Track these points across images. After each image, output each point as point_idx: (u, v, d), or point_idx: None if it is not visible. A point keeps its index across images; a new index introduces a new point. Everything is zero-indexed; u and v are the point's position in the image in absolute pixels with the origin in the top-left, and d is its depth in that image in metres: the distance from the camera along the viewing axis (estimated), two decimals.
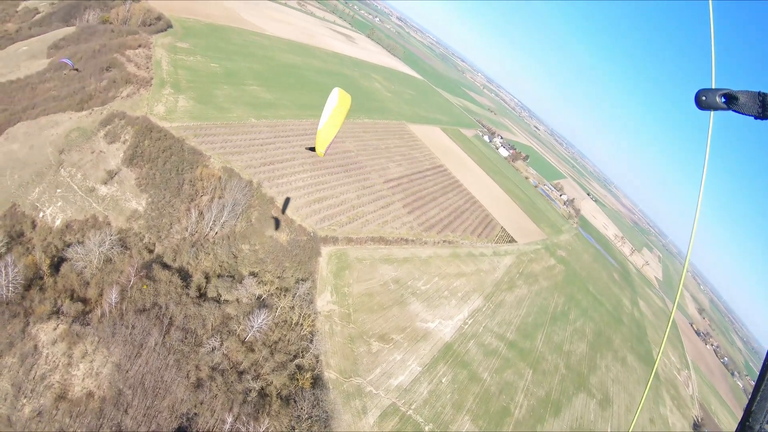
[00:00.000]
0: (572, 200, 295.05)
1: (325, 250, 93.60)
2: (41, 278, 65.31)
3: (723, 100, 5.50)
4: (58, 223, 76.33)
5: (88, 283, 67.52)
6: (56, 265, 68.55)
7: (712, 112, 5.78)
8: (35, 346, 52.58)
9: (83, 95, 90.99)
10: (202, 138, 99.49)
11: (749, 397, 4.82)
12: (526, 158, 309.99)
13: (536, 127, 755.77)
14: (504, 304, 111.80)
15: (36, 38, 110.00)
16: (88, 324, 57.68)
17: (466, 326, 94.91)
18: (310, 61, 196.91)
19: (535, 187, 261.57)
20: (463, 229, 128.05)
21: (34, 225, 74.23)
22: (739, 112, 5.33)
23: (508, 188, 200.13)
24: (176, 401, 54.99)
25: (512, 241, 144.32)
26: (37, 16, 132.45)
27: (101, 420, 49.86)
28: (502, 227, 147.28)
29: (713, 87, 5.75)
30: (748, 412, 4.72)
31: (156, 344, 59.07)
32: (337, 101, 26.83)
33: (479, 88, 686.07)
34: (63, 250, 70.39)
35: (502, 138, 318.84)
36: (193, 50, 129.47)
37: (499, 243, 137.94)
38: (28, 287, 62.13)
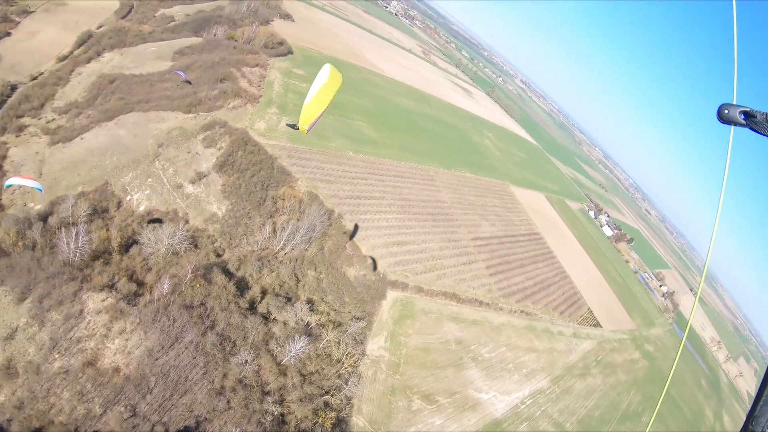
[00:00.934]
0: (672, 293, 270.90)
1: (392, 295, 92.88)
2: (110, 253, 71.44)
3: (742, 116, 6.13)
4: (141, 209, 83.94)
5: (149, 269, 72.47)
6: (127, 245, 74.58)
7: (732, 127, 6.53)
8: (81, 311, 56.94)
9: (193, 99, 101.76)
10: (294, 160, 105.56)
11: (752, 402, 5.33)
12: (630, 241, 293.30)
13: (647, 211, 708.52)
14: (572, 391, 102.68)
15: (165, 42, 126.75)
16: (135, 305, 61.33)
17: (523, 406, 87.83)
18: (423, 108, 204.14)
19: (635, 272, 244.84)
20: (546, 303, 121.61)
21: (119, 205, 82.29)
22: (755, 131, 6.01)
23: (604, 269, 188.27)
24: (194, 402, 55.97)
25: (597, 325, 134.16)
26: (171, 24, 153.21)
27: (119, 396, 51.97)
28: (589, 308, 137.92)
29: (735, 103, 6.43)
30: (750, 417, 5.24)
31: (191, 342, 61.10)
32: (328, 77, 26.89)
33: (594, 162, 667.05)
34: (137, 234, 77.01)
35: (608, 216, 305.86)
36: (307, 77, 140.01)
37: (582, 325, 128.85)
38: (95, 258, 68.16)
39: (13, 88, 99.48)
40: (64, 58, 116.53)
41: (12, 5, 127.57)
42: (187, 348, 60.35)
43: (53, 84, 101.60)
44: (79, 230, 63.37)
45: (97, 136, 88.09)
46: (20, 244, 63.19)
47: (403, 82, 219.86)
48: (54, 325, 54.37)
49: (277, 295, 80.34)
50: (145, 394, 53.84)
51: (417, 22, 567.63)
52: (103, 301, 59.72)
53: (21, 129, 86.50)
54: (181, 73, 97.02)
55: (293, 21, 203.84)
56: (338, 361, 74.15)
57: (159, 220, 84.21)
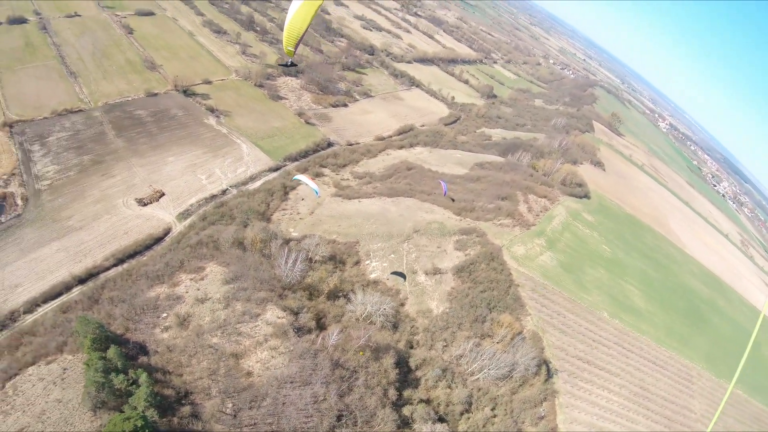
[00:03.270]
0: None
1: None
2: (318, 292, 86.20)
3: None
4: (372, 276, 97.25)
5: (338, 322, 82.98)
6: (337, 295, 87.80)
7: None
8: (258, 314, 71.26)
9: (467, 205, 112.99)
10: (536, 295, 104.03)
11: None
12: None
13: None
14: None
15: (471, 154, 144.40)
16: (299, 337, 72.59)
17: None
18: (716, 299, 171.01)
19: None
20: None
21: (357, 263, 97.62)
22: None
23: None
24: None
25: None
26: (485, 141, 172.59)
27: (235, 394, 62.22)
28: None
29: None
30: None
31: (315, 394, 66.74)
32: None
33: None
34: (353, 292, 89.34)
35: None
36: (594, 225, 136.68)
37: None
38: (304, 288, 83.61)
39: (330, 144, 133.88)
40: (381, 138, 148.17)
41: (358, 86, 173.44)
42: (309, 397, 66.33)
43: (362, 153, 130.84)
44: (297, 258, 79.50)
45: (372, 204, 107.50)
46: (258, 248, 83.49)
47: (701, 263, 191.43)
48: (233, 312, 69.99)
49: (435, 411, 79.35)
50: (253, 407, 62.68)
51: (746, 210, 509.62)
52: (279, 318, 73.01)
53: (318, 175, 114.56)
54: (444, 185, 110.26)
55: (603, 170, 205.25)
56: None
57: (402, 275, 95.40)
